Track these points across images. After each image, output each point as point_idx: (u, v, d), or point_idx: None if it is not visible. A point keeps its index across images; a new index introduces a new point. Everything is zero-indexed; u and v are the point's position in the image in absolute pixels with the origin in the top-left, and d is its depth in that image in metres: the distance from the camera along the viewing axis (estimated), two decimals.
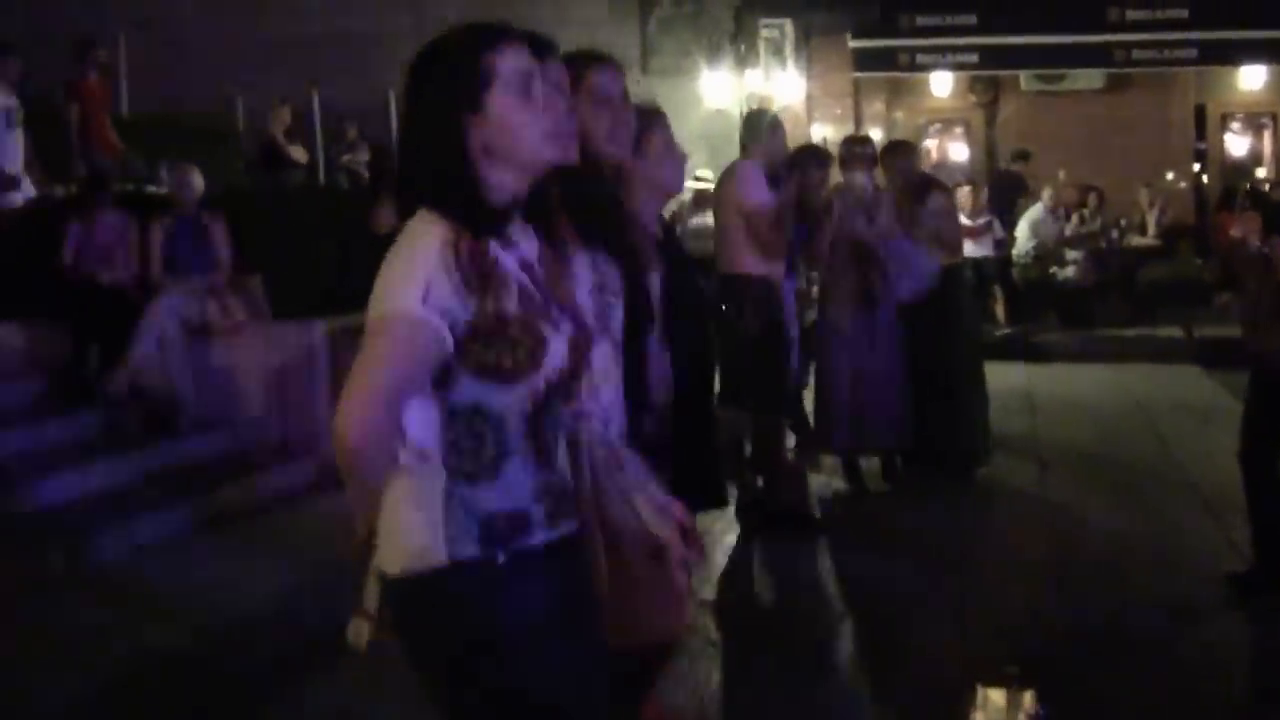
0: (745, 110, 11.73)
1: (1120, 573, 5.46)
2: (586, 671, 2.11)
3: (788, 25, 14.20)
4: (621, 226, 2.71)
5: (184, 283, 7.77)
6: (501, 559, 2.02)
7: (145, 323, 7.46)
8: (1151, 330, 12.44)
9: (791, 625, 4.98)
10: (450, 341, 1.94)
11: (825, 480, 7.09)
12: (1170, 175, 15.70)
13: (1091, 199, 14.09)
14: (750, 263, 6.10)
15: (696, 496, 2.91)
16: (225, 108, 13.03)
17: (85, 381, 7.41)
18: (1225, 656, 4.62)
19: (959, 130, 16.58)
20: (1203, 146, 16.00)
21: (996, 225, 12.86)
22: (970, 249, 10.35)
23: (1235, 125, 16.25)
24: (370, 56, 13.64)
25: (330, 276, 8.59)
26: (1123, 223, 14.56)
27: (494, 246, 2.02)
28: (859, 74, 14.78)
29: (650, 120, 3.21)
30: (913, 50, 14.50)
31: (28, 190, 9.12)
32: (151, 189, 9.95)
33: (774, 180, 6.21)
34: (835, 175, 7.23)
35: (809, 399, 7.24)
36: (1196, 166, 16.01)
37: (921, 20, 14.30)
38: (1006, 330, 12.48)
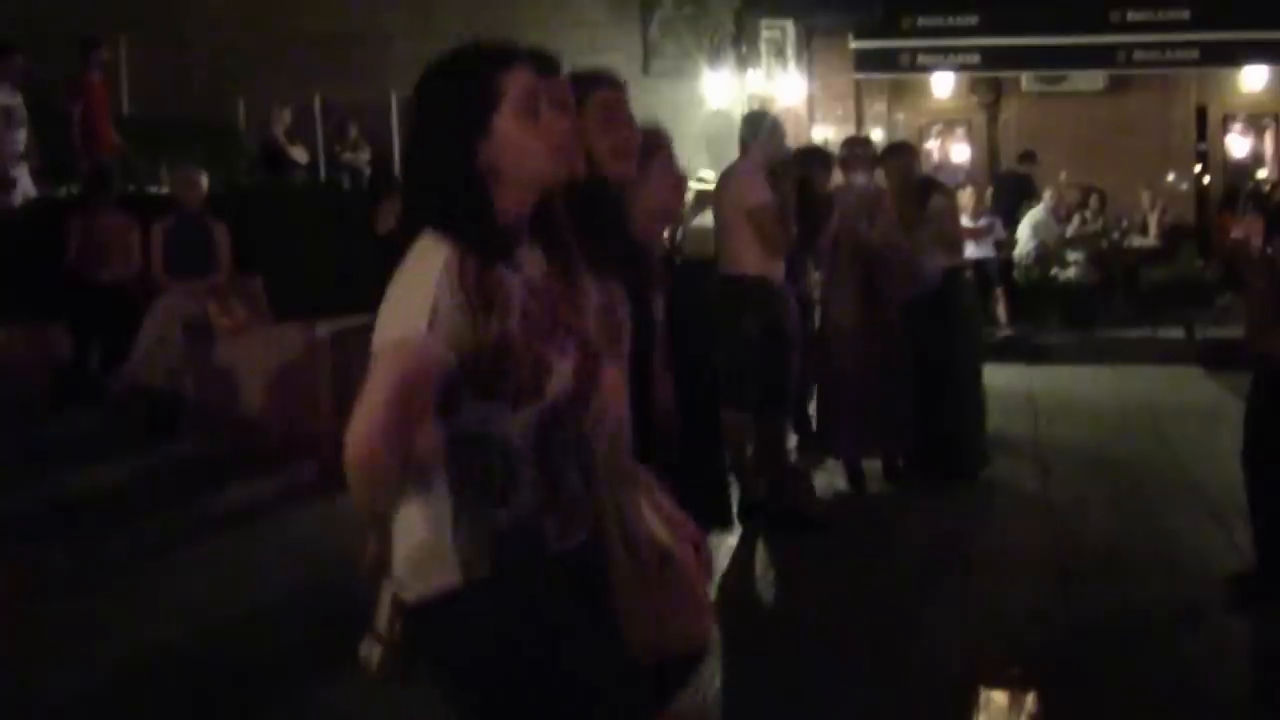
0: (747, 111, 11.72)
1: (1122, 573, 5.45)
2: (608, 679, 2.11)
3: (789, 26, 14.19)
4: (628, 245, 2.71)
5: (185, 283, 7.78)
6: (516, 574, 2.01)
7: (146, 322, 7.47)
8: (1153, 331, 12.43)
9: (793, 626, 4.97)
10: (456, 365, 1.94)
11: (827, 481, 7.08)
12: (1171, 176, 15.70)
13: (1093, 200, 14.09)
14: (751, 263, 6.09)
15: (702, 517, 2.91)
16: (226, 108, 13.03)
17: (86, 381, 7.42)
18: (1227, 657, 4.61)
19: (960, 131, 16.57)
20: (1204, 147, 16.00)
21: (998, 226, 12.85)
22: (972, 250, 10.35)
23: (1237, 126, 16.24)
24: (371, 56, 13.66)
25: (332, 277, 8.59)
26: (1124, 224, 14.56)
27: (499, 268, 2.00)
28: (860, 75, 14.78)
29: (653, 142, 3.22)
30: (914, 51, 14.49)
31: (29, 189, 9.12)
32: (153, 189, 9.96)
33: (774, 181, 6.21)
34: (836, 176, 7.24)
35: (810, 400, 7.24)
36: (1198, 168, 16.01)
37: (923, 21, 14.30)
38: (1008, 331, 12.46)
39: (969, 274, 7.79)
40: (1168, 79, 15.34)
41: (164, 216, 8.02)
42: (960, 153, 16.52)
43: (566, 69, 2.49)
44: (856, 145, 7.45)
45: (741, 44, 14.09)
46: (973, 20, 14.16)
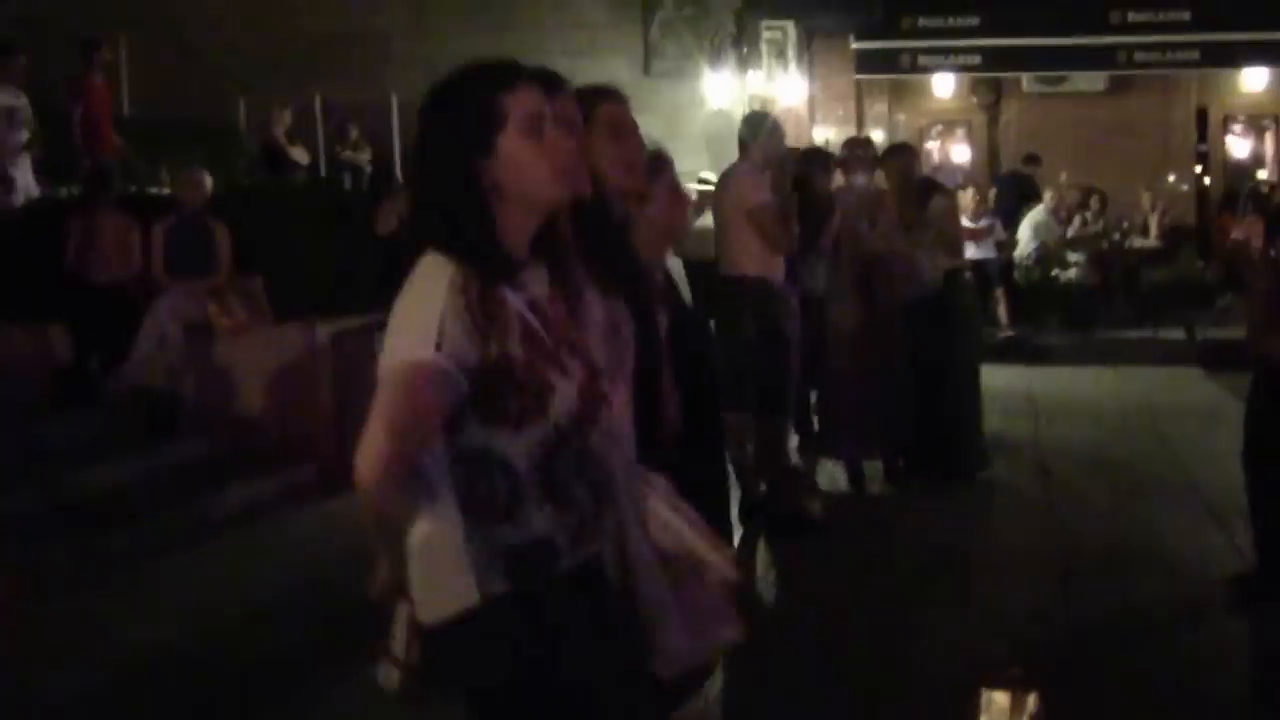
0: (747, 112, 11.72)
1: (1122, 573, 5.45)
2: (620, 692, 2.12)
3: (790, 27, 14.19)
4: (633, 265, 2.71)
5: (185, 283, 7.78)
6: (531, 591, 2.01)
7: (146, 323, 7.48)
8: (1153, 332, 12.43)
9: (794, 627, 4.97)
10: (465, 386, 1.93)
11: (827, 481, 7.08)
12: (1172, 177, 15.70)
13: (1093, 201, 14.09)
14: (751, 264, 6.09)
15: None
16: (226, 108, 13.04)
17: (86, 381, 7.41)
18: (1227, 658, 4.61)
19: (961, 132, 16.58)
20: (1204, 149, 16.00)
21: (998, 227, 12.86)
22: (972, 251, 10.35)
23: (1237, 127, 16.25)
24: (370, 56, 13.67)
25: (332, 277, 8.59)
26: (1124, 225, 14.56)
27: (502, 288, 2.00)
28: (861, 76, 14.78)
29: (656, 164, 3.23)
30: (915, 52, 14.49)
31: (32, 189, 9.13)
32: (153, 189, 9.96)
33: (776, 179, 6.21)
34: (837, 177, 7.24)
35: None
36: (1198, 169, 16.01)
37: (924, 22, 14.29)
38: (1009, 332, 12.46)
39: (968, 275, 7.79)
40: (1168, 80, 15.35)
41: (164, 217, 8.02)
42: (960, 153, 16.53)
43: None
44: (857, 146, 7.45)
45: (742, 45, 14.10)
46: (973, 21, 14.16)
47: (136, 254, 7.94)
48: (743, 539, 5.98)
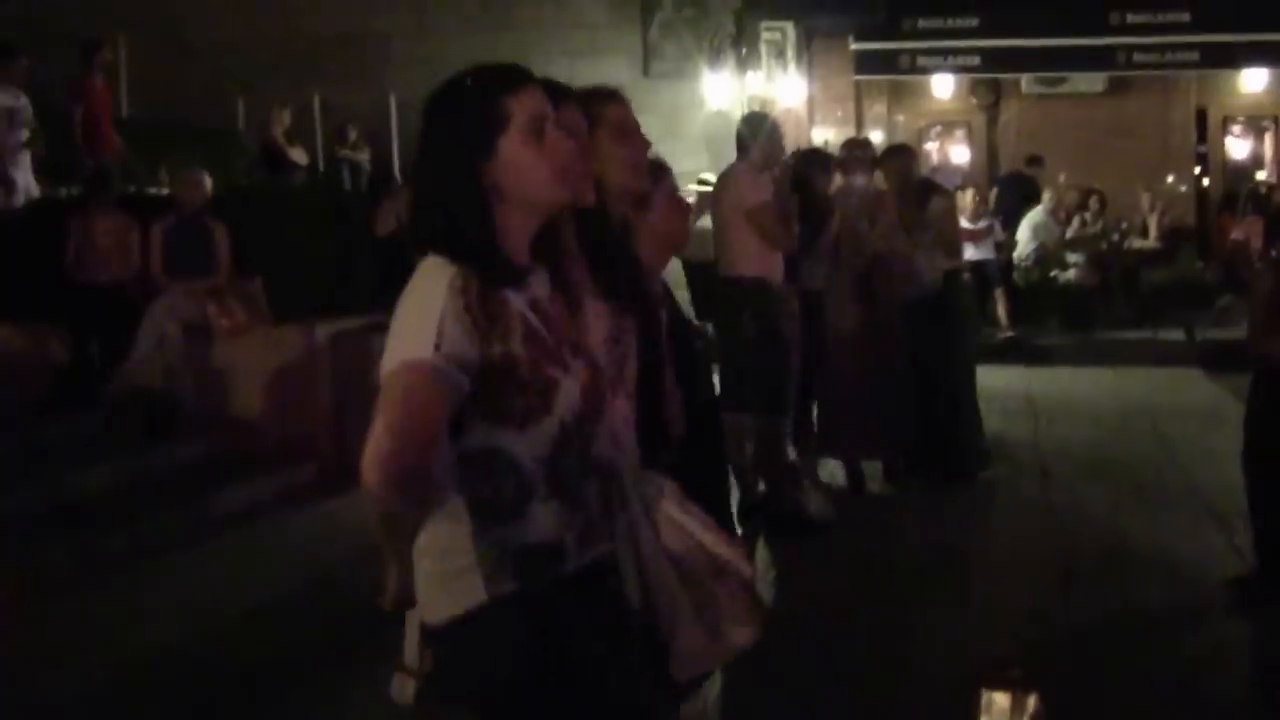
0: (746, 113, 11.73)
1: (1122, 574, 5.45)
2: (633, 690, 2.12)
3: (789, 28, 14.18)
4: (635, 271, 2.71)
5: (184, 284, 7.78)
6: (539, 590, 2.01)
7: (145, 323, 7.47)
8: (1153, 333, 12.43)
9: (793, 627, 4.96)
10: (466, 386, 1.93)
11: (827, 482, 7.08)
12: (1171, 178, 15.70)
13: (1093, 202, 14.09)
14: (750, 264, 6.09)
15: None
16: (226, 109, 13.03)
17: (86, 382, 7.41)
18: (1227, 660, 4.61)
19: (960, 133, 16.58)
20: (1204, 150, 16.02)
21: (997, 228, 12.86)
22: (971, 252, 10.35)
23: (1236, 128, 16.27)
24: (370, 57, 13.65)
25: (331, 279, 8.59)
26: (1124, 225, 14.56)
27: (504, 289, 2.00)
28: (860, 77, 14.78)
29: (655, 172, 3.24)
30: (914, 53, 14.48)
31: (32, 190, 9.12)
32: (152, 190, 9.96)
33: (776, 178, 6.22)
34: (836, 178, 7.24)
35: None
36: (1197, 170, 16.02)
37: (923, 23, 14.29)
38: (1008, 333, 12.46)
39: (966, 276, 7.79)
40: (1167, 81, 15.35)
41: (163, 217, 8.02)
42: (960, 154, 16.53)
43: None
44: (856, 147, 7.45)
45: (741, 46, 14.08)
46: (973, 22, 14.16)
47: (135, 254, 7.94)
48: (742, 539, 5.98)
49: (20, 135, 8.92)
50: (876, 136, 13.78)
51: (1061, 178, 14.13)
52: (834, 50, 14.72)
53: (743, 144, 6.35)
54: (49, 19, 11.88)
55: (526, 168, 2.02)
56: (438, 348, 1.90)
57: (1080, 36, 13.96)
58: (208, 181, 8.16)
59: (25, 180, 9.06)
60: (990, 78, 15.51)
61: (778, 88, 14.02)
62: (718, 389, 5.24)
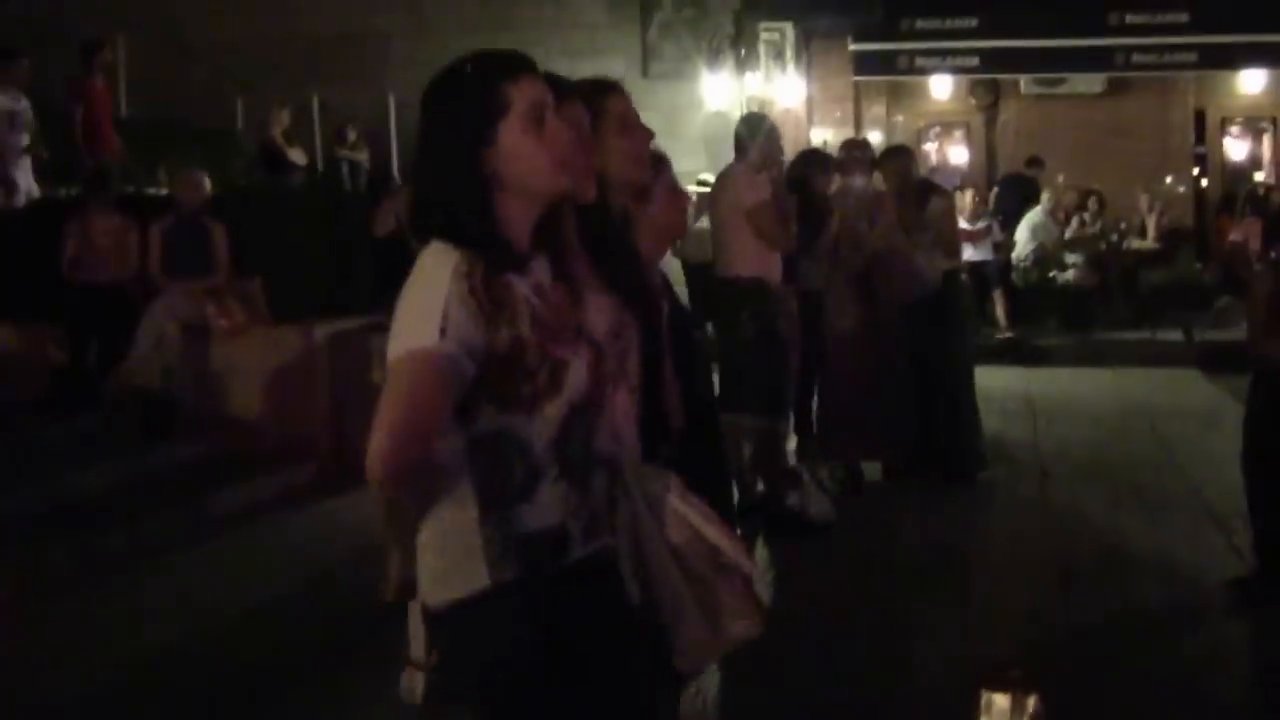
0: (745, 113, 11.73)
1: (1121, 576, 5.45)
2: (631, 682, 2.12)
3: (788, 28, 14.19)
4: (635, 264, 2.71)
5: (183, 284, 7.78)
6: (544, 577, 2.01)
7: (144, 323, 7.47)
8: (1151, 334, 12.43)
9: (793, 627, 4.96)
10: (472, 371, 1.93)
11: (826, 482, 7.08)
12: (1170, 179, 15.70)
13: (1091, 202, 14.09)
14: (748, 264, 6.09)
15: None
16: (225, 109, 13.03)
17: (85, 382, 7.41)
18: (1227, 660, 4.61)
19: (959, 134, 16.58)
20: (1202, 150, 16.03)
21: (995, 228, 12.87)
22: (970, 253, 10.36)
23: (1234, 129, 16.29)
24: (369, 57, 13.66)
25: (330, 279, 8.59)
26: (1122, 226, 14.57)
27: (507, 274, 2.00)
28: (859, 77, 14.78)
29: (655, 164, 3.24)
30: (913, 54, 14.50)
31: (33, 190, 9.13)
32: (151, 190, 9.96)
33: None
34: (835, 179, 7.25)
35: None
36: (1196, 170, 16.03)
37: (922, 24, 14.30)
38: (1007, 333, 12.47)
39: (965, 276, 7.79)
40: (1166, 82, 15.35)
41: (162, 217, 8.02)
42: (958, 155, 16.53)
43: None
44: (855, 148, 7.45)
45: (740, 46, 14.10)
46: (971, 23, 14.17)
47: (134, 254, 7.93)
48: (741, 538, 5.98)
49: (21, 137, 8.93)
50: (875, 137, 13.77)
51: (1060, 178, 14.14)
52: (833, 51, 14.73)
53: (741, 144, 6.35)
54: (49, 20, 11.89)
55: (526, 155, 2.02)
56: (443, 333, 1.89)
57: (1079, 37, 13.97)
58: (207, 182, 8.17)
59: (26, 182, 9.07)
60: (989, 78, 15.52)
61: (776, 88, 14.04)
62: (717, 389, 5.24)
